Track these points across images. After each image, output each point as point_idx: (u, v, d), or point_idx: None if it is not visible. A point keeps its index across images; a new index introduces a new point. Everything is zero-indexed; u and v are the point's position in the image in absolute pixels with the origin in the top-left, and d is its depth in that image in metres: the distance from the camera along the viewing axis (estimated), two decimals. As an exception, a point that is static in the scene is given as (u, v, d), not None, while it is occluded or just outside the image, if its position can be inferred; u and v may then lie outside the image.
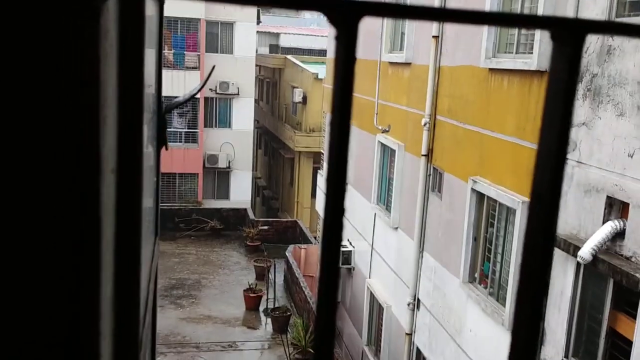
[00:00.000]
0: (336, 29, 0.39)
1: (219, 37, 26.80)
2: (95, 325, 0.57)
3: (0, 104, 0.48)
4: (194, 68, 25.83)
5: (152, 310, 1.68)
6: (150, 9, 1.43)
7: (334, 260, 0.43)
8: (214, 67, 3.52)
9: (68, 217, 0.52)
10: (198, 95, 25.70)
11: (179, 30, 25.99)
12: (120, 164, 0.74)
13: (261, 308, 18.04)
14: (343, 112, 0.40)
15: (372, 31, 13.65)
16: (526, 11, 8.17)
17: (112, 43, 0.63)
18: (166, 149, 1.77)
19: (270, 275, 18.78)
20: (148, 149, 1.47)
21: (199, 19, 25.85)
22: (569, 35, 0.44)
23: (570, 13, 6.95)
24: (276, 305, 17.54)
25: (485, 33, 8.77)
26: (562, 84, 0.45)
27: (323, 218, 0.43)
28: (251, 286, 18.29)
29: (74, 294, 0.55)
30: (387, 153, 12.93)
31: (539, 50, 7.50)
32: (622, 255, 6.17)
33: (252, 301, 18.01)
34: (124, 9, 0.71)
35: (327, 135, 0.42)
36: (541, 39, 7.48)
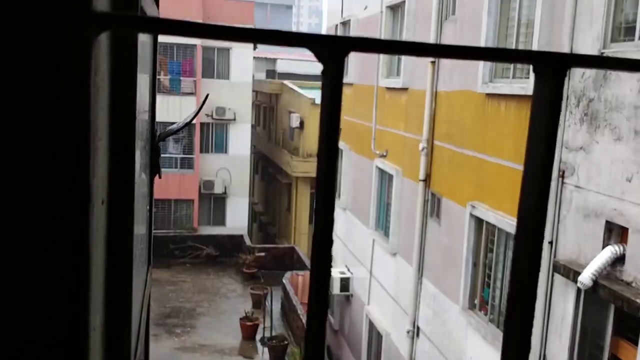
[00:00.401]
0: (323, 64, 0.40)
1: (215, 63, 26.98)
2: (84, 356, 0.57)
3: None
4: (190, 93, 25.92)
5: (144, 339, 1.63)
6: (142, 42, 1.41)
7: (324, 287, 0.43)
8: (207, 96, 3.52)
9: (56, 247, 0.52)
10: (194, 121, 25.76)
11: (175, 56, 26.15)
12: (112, 194, 0.74)
13: (258, 337, 17.81)
14: (330, 141, 0.41)
15: (368, 57, 13.73)
16: (522, 36, 8.23)
17: (103, 77, 0.64)
18: (159, 177, 1.73)
19: (267, 303, 18.59)
20: (141, 177, 1.43)
21: (195, 45, 26.04)
22: (550, 69, 0.45)
23: (565, 38, 6.99)
24: (273, 334, 17.32)
25: (481, 58, 8.81)
26: (544, 117, 0.46)
27: (311, 248, 0.42)
28: (247, 314, 18.08)
29: (62, 325, 0.54)
30: (385, 178, 12.91)
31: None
32: (622, 280, 6.11)
33: (249, 330, 17.79)
34: (117, 42, 0.71)
35: (317, 163, 0.41)
36: (537, 64, 7.51)
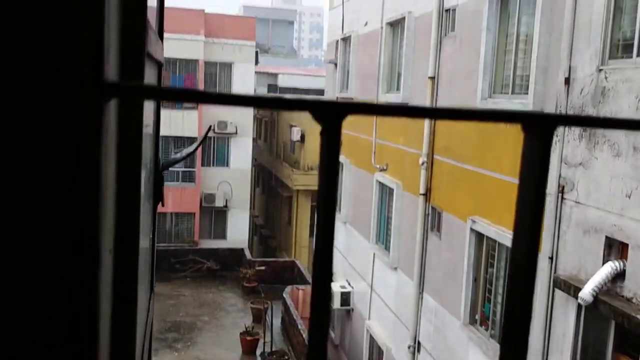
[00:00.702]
0: (322, 126, 0.42)
1: (217, 78, 27.11)
2: None
3: (4, 186, 0.51)
4: (192, 108, 26.02)
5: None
6: (148, 75, 1.44)
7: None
8: (210, 127, 3.56)
9: (65, 301, 0.54)
10: (196, 135, 25.83)
11: (177, 71, 26.29)
12: (118, 244, 0.76)
13: (258, 352, 17.73)
14: (328, 202, 0.43)
15: (369, 71, 13.82)
16: (521, 52, 8.28)
17: (112, 136, 0.67)
18: (162, 205, 1.75)
19: (267, 318, 18.53)
20: (144, 207, 1.46)
21: (198, 60, 26.18)
22: (538, 128, 0.48)
23: (564, 55, 7.04)
24: (273, 349, 17.24)
25: (481, 73, 8.87)
26: (534, 174, 0.48)
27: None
28: (248, 329, 18.01)
29: None
30: (386, 192, 12.93)
31: (535, 90, 7.57)
32: (622, 296, 6.11)
33: (249, 345, 17.71)
34: (123, 108, 0.74)
35: (316, 224, 0.44)
36: (536, 80, 7.56)
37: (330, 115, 0.42)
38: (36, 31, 0.49)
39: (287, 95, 0.42)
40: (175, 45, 25.00)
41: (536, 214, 0.49)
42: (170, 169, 26.95)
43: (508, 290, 0.52)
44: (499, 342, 8.46)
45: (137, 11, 0.87)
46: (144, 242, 1.48)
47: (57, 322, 0.54)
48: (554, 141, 7.18)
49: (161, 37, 1.80)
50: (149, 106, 1.52)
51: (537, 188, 0.49)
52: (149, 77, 1.42)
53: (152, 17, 1.61)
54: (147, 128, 1.50)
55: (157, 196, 1.71)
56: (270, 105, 0.42)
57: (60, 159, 0.51)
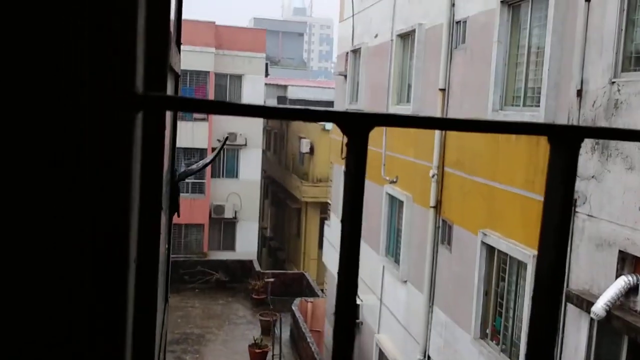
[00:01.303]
0: (348, 137, 0.42)
1: (227, 89, 27.24)
2: None
3: (40, 197, 0.52)
4: (203, 119, 26.15)
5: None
6: (170, 84, 1.44)
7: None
8: (227, 138, 3.57)
9: (96, 310, 0.55)
10: (206, 146, 25.92)
11: (188, 83, 26.45)
12: (140, 254, 0.76)
13: (267, 363, 17.64)
14: (355, 211, 0.45)
15: (379, 83, 13.83)
16: (532, 64, 8.25)
17: (138, 145, 0.68)
18: (178, 216, 1.74)
19: (276, 330, 18.46)
20: (162, 218, 1.46)
21: (208, 72, 26.33)
22: (565, 140, 0.47)
23: (576, 68, 7.00)
24: (283, 361, 17.15)
25: (492, 85, 8.85)
26: (560, 186, 0.47)
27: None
28: (256, 341, 17.94)
29: None
30: (395, 204, 12.89)
31: (546, 103, 7.53)
32: (636, 311, 6.03)
33: (257, 357, 17.64)
34: (147, 119, 0.75)
35: (339, 248, 0.42)
36: (548, 93, 7.52)
37: (357, 126, 0.41)
38: (73, 43, 0.50)
39: (314, 108, 0.41)
40: (186, 57, 25.14)
41: (563, 229, 0.48)
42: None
43: (532, 314, 0.51)
44: (509, 357, 8.36)
45: (162, 24, 0.88)
46: (161, 254, 1.48)
47: (86, 330, 0.54)
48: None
49: (179, 48, 1.81)
50: (166, 118, 1.52)
51: (564, 202, 0.47)
52: (169, 88, 1.42)
53: (171, 28, 1.62)
54: (166, 140, 1.50)
55: (173, 207, 1.70)
56: (298, 117, 0.41)
57: (94, 170, 0.52)
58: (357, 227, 0.42)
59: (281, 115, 0.40)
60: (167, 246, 1.75)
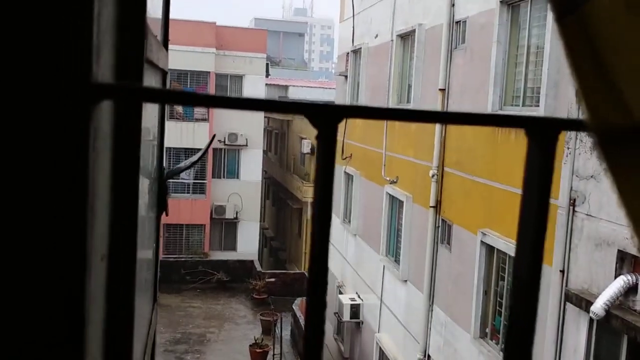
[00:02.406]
0: (317, 129, 0.42)
1: (228, 90, 27.24)
2: None
3: None
4: (203, 120, 26.17)
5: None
6: (153, 83, 1.45)
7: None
8: (214, 136, 3.57)
9: (51, 305, 0.53)
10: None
11: (189, 83, 26.47)
12: (113, 249, 0.76)
13: (268, 363, 17.66)
14: (324, 204, 0.43)
15: (379, 83, 13.84)
16: (531, 64, 8.26)
17: (105, 139, 0.66)
18: (166, 214, 1.75)
19: (276, 330, 18.47)
20: (147, 216, 1.45)
21: (209, 72, 26.35)
22: (542, 132, 0.47)
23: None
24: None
25: (491, 85, 8.86)
26: (536, 179, 0.47)
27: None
28: (257, 341, 17.96)
29: None
30: (396, 204, 12.90)
31: (546, 102, 7.54)
32: (635, 310, 6.04)
33: (258, 356, 17.65)
34: (120, 112, 0.74)
35: (311, 223, 0.43)
36: (547, 92, 7.53)
37: (326, 118, 0.41)
38: (20, 30, 0.49)
39: (279, 99, 0.42)
40: (186, 57, 25.19)
41: (540, 223, 0.48)
42: (180, 180, 27.07)
43: (510, 307, 0.50)
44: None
45: (136, 17, 0.87)
46: (147, 252, 1.48)
47: (40, 327, 0.53)
48: (565, 153, 7.15)
49: (166, 47, 1.81)
50: (152, 115, 1.53)
51: (541, 195, 0.47)
52: (153, 84, 1.42)
53: (156, 27, 1.63)
54: (151, 137, 1.50)
55: (161, 205, 1.71)
56: (264, 107, 0.41)
57: (46, 161, 0.50)
58: (327, 220, 0.42)
59: (244, 106, 0.41)
60: (155, 245, 1.75)
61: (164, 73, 1.66)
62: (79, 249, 0.52)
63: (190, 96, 0.41)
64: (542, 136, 0.47)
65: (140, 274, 1.19)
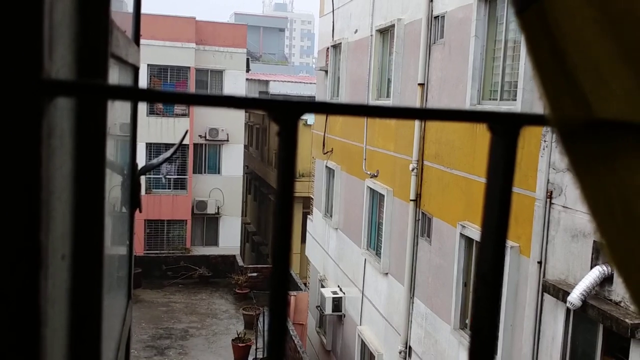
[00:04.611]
0: (278, 125, 0.42)
1: (208, 85, 27.09)
2: None
3: None
4: (183, 115, 26.00)
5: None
6: (123, 80, 1.45)
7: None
8: (186, 132, 3.57)
9: (4, 308, 0.51)
10: (187, 142, 25.81)
11: (169, 78, 26.27)
12: (76, 248, 0.74)
13: (250, 358, 17.68)
14: (285, 197, 0.43)
15: (359, 78, 13.88)
16: (509, 59, 8.36)
17: (62, 136, 0.64)
18: (139, 211, 1.76)
19: (259, 324, 18.49)
20: (121, 213, 1.46)
21: (189, 67, 26.18)
22: (504, 128, 0.47)
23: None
24: (265, 355, 17.20)
25: (469, 80, 8.94)
26: (500, 174, 0.47)
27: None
28: (240, 335, 17.97)
29: None
30: (376, 198, 12.97)
31: (523, 96, 7.64)
32: (611, 300, 6.16)
33: (241, 351, 17.66)
34: (82, 109, 0.72)
35: (273, 218, 0.45)
36: (524, 86, 7.63)
37: (286, 114, 0.42)
38: None
39: (262, 94, 0.43)
40: (166, 53, 25.00)
41: (502, 216, 0.48)
42: (161, 176, 26.83)
43: (475, 298, 0.50)
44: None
45: (98, 10, 0.85)
46: (119, 249, 1.48)
47: None
48: (541, 146, 7.26)
49: (137, 43, 1.80)
50: (124, 111, 1.53)
51: (503, 189, 0.48)
52: (122, 80, 1.42)
53: (126, 22, 1.62)
54: (122, 133, 1.51)
55: (134, 202, 1.71)
56: (223, 104, 0.41)
57: None
58: (289, 216, 0.44)
59: (205, 102, 0.41)
60: (128, 242, 1.75)
61: (135, 69, 1.67)
62: (31, 247, 0.51)
63: (143, 92, 0.41)
64: (505, 132, 0.47)
65: (111, 271, 1.20)
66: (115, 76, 1.23)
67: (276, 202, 0.44)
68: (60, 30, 0.62)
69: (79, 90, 0.52)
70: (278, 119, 0.42)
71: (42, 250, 0.52)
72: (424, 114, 0.49)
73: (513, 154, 0.48)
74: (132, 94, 0.42)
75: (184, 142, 25.53)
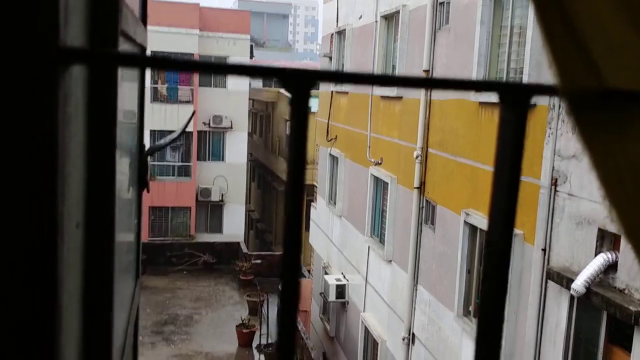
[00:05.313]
0: (290, 93, 0.42)
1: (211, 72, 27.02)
2: None
3: None
4: (188, 102, 25.97)
5: (132, 354, 1.66)
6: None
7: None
8: (194, 112, 3.57)
9: (23, 271, 0.53)
10: (191, 129, 25.79)
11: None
12: (89, 217, 0.75)
13: (254, 344, 17.79)
14: (297, 167, 0.43)
15: (364, 64, 13.82)
16: (515, 45, 8.30)
17: (77, 105, 0.65)
18: (147, 191, 1.76)
19: (263, 310, 18.58)
20: (129, 192, 1.46)
21: (193, 54, 26.10)
22: (514, 98, 0.47)
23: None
24: (270, 341, 17.30)
25: (475, 66, 8.89)
26: (509, 145, 0.47)
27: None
28: (244, 321, 18.06)
29: (30, 353, 0.54)
30: (380, 186, 12.96)
31: (528, 82, 7.54)
32: (615, 287, 6.15)
33: (245, 337, 17.77)
34: (93, 74, 0.73)
35: (285, 187, 0.44)
36: (530, 72, 7.58)
37: (299, 82, 0.41)
38: None
39: (252, 64, 0.42)
40: (170, 39, 24.92)
41: (512, 188, 0.48)
42: (166, 163, 26.87)
43: (484, 271, 0.49)
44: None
45: None
46: (129, 228, 1.49)
47: (8, 288, 0.52)
48: (547, 134, 7.22)
49: (144, 24, 1.81)
50: (132, 91, 1.53)
51: (513, 161, 0.47)
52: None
53: (135, 2, 1.63)
54: (130, 113, 1.51)
55: (142, 182, 1.72)
56: (234, 72, 0.41)
57: (12, 123, 0.50)
58: (300, 189, 0.43)
59: (217, 71, 0.41)
60: (136, 222, 1.76)
61: (142, 49, 1.67)
62: (48, 211, 0.52)
63: (156, 60, 0.41)
64: (515, 101, 0.47)
65: (121, 244, 1.20)
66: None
67: (288, 171, 0.44)
68: (73, 2, 0.63)
69: (94, 58, 0.53)
70: (291, 87, 0.42)
71: (59, 215, 0.53)
72: (434, 84, 0.49)
73: (523, 124, 0.47)
74: (142, 61, 0.42)
75: (187, 130, 25.52)
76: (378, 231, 13.09)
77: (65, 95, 0.55)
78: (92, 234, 0.78)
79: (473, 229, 9.04)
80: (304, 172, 0.44)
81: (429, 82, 0.48)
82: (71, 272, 0.67)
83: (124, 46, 1.19)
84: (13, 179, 0.50)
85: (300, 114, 0.42)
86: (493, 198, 0.50)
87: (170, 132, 25.07)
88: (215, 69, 0.41)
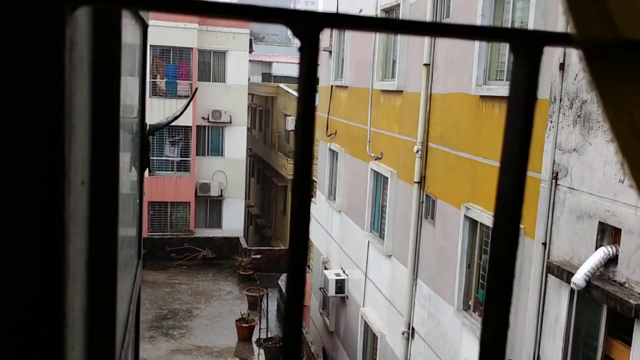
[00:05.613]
0: (299, 39, 0.40)
1: (211, 66, 26.98)
2: (60, 334, 0.56)
3: None
4: (187, 96, 25.91)
5: (134, 332, 1.65)
6: (132, 36, 1.43)
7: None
8: (196, 90, 3.55)
9: (29, 221, 0.52)
10: (190, 124, 25.74)
11: (171, 59, 26.15)
12: (94, 177, 0.75)
13: (254, 338, 17.81)
14: (307, 118, 0.41)
15: (364, 59, 13.79)
16: (518, 16, 8.26)
17: (82, 55, 0.64)
18: (149, 172, 1.75)
19: (263, 305, 18.60)
20: (131, 171, 1.45)
21: (192, 48, 26.04)
22: (527, 47, 0.45)
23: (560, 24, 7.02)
24: (269, 336, 17.32)
25: (475, 60, 8.87)
26: (522, 96, 0.46)
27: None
28: (243, 316, 18.08)
29: (37, 305, 0.53)
30: (380, 180, 12.94)
31: (529, 77, 7.56)
32: (615, 281, 6.15)
33: (245, 331, 17.78)
34: (98, 21, 0.72)
35: (294, 142, 0.42)
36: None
37: (308, 27, 0.40)
38: None
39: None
40: (169, 33, 24.85)
41: (524, 141, 0.46)
42: (165, 158, 26.81)
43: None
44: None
45: None
46: (131, 205, 1.48)
47: (14, 242, 0.51)
48: (547, 127, 7.21)
49: None
50: (133, 80, 1.52)
51: (526, 109, 0.46)
52: (133, 34, 1.40)
53: None
54: (132, 95, 1.49)
55: (144, 162, 1.71)
56: (242, 16, 0.40)
57: (17, 73, 0.49)
58: (310, 140, 0.42)
59: (223, 14, 0.39)
60: (138, 201, 1.75)
61: (145, 26, 1.65)
62: (56, 160, 0.51)
63: (166, 1, 0.40)
64: (528, 50, 0.46)
65: (125, 224, 1.20)
66: (129, 27, 1.21)
67: (296, 123, 0.42)
68: None
69: None
70: (299, 31, 0.40)
71: (66, 165, 0.52)
72: (443, 29, 0.47)
73: (536, 74, 0.46)
74: (149, 2, 0.40)
75: (187, 124, 25.47)
76: (378, 226, 13.09)
77: (71, 41, 0.54)
78: (96, 193, 0.77)
79: (473, 223, 9.03)
80: (313, 123, 0.41)
81: (437, 28, 0.46)
82: (77, 229, 0.66)
83: (127, 27, 1.18)
84: (20, 125, 0.50)
85: (309, 59, 0.41)
86: (504, 150, 0.48)
87: (170, 127, 25.05)
88: (219, 12, 0.39)
